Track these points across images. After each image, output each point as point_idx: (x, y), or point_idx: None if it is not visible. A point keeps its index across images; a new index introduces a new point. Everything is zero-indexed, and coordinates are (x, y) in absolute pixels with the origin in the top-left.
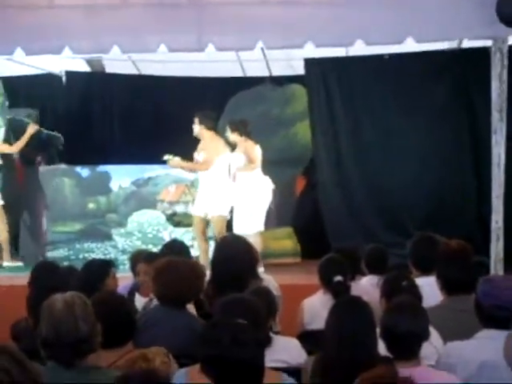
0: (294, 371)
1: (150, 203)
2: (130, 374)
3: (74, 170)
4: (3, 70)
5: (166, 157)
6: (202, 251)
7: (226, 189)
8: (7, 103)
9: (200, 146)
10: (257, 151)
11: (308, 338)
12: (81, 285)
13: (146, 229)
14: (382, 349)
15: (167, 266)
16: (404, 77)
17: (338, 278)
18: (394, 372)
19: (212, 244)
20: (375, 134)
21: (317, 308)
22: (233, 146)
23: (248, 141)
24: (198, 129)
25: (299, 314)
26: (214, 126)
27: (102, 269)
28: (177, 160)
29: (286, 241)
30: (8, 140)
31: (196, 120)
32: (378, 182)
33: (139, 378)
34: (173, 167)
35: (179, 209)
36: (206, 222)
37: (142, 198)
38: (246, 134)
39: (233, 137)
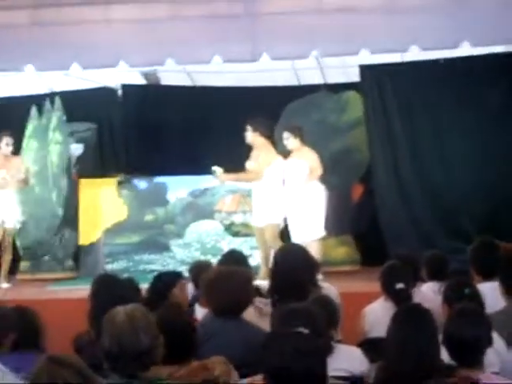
0: (356, 380)
1: (207, 214)
2: None
3: (131, 182)
4: (60, 85)
5: (214, 169)
6: (262, 261)
7: (277, 196)
8: (65, 118)
9: (252, 154)
10: (317, 158)
11: (369, 346)
12: (150, 296)
13: (204, 239)
14: (444, 356)
15: (215, 278)
16: (460, 81)
17: (400, 285)
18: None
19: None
20: (432, 139)
21: (378, 315)
22: (285, 154)
23: (306, 147)
24: (251, 136)
25: (360, 322)
26: (269, 133)
27: (170, 279)
28: (223, 173)
29: (345, 248)
30: (66, 154)
31: (249, 127)
32: (437, 187)
33: None
34: (221, 181)
35: (237, 218)
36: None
37: (199, 209)
38: (304, 140)
39: (294, 143)
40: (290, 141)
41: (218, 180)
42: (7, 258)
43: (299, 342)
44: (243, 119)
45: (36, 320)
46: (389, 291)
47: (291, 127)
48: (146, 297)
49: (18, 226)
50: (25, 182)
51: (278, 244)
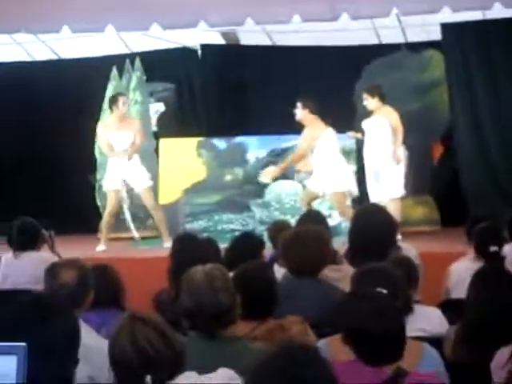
0: (435, 341)
1: (286, 174)
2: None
3: (211, 142)
4: (140, 46)
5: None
6: None
7: (338, 165)
8: (144, 78)
9: (304, 131)
10: (398, 116)
11: (450, 307)
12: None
13: (283, 199)
14: None
15: (292, 238)
16: None
17: (494, 248)
18: None
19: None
20: None
21: (463, 275)
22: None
23: (386, 106)
24: (301, 114)
25: (444, 280)
26: (317, 110)
27: (258, 245)
28: (270, 171)
29: (424, 208)
30: (146, 114)
31: (299, 105)
32: None
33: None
34: (273, 178)
35: None
36: (315, 197)
37: None
38: (384, 99)
39: (373, 103)
40: (368, 101)
41: (268, 180)
42: (160, 217)
43: (377, 303)
44: (324, 78)
45: (116, 277)
46: (483, 253)
47: (369, 88)
48: (227, 256)
49: (151, 183)
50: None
51: (348, 211)
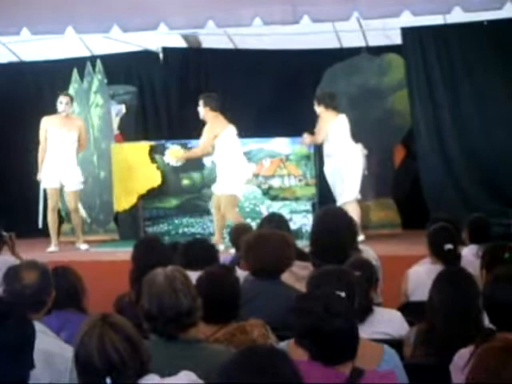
0: (395, 343)
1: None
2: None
3: (164, 147)
4: (101, 48)
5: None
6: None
7: (232, 168)
8: (106, 81)
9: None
10: (329, 123)
11: (410, 309)
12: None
13: (242, 203)
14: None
15: (256, 240)
16: (503, 43)
17: (449, 246)
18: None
19: None
20: (475, 102)
21: (422, 278)
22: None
23: (330, 113)
24: (203, 111)
25: (403, 283)
26: (219, 107)
27: (211, 253)
28: (173, 152)
29: (386, 211)
30: (107, 117)
31: (200, 102)
32: (479, 150)
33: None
34: (177, 160)
35: (275, 183)
36: None
37: None
38: (331, 106)
39: (319, 109)
40: (315, 107)
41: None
42: (77, 220)
43: (329, 303)
44: (284, 82)
45: (76, 279)
46: (437, 252)
47: (317, 95)
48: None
49: (81, 187)
50: (82, 146)
51: (233, 214)
